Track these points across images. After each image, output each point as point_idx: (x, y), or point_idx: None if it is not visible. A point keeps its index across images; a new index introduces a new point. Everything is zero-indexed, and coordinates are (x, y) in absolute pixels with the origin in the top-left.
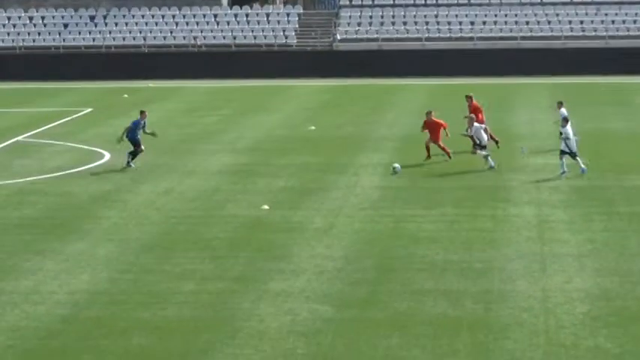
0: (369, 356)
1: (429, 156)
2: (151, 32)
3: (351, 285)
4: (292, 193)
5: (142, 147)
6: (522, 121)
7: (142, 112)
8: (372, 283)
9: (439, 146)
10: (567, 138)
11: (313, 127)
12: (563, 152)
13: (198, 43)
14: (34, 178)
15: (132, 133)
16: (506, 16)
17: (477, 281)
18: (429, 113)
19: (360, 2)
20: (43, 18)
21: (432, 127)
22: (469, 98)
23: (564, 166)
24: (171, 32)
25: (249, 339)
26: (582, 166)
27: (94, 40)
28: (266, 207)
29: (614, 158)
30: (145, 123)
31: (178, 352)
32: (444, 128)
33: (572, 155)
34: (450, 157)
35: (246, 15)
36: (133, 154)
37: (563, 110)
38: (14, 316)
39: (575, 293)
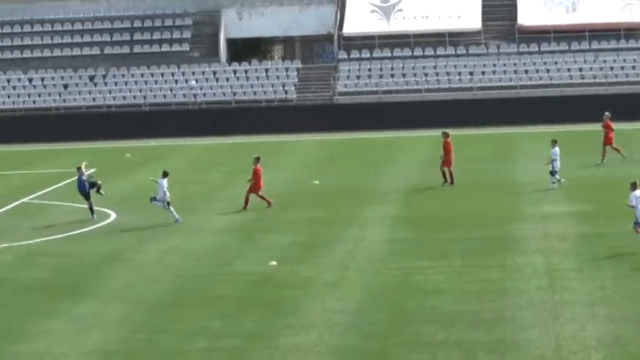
0: None
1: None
2: (150, 91)
3: (363, 338)
4: (300, 248)
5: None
6: (524, 170)
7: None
8: (384, 336)
9: (259, 195)
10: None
11: (317, 182)
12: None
13: (198, 100)
14: (42, 239)
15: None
16: (504, 65)
17: (489, 331)
18: (257, 160)
19: (358, 55)
20: (42, 79)
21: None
22: None
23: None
24: (171, 90)
25: None
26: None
27: (94, 100)
28: (274, 263)
29: (620, 205)
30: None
31: None
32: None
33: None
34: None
35: (245, 71)
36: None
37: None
38: None
39: (589, 341)
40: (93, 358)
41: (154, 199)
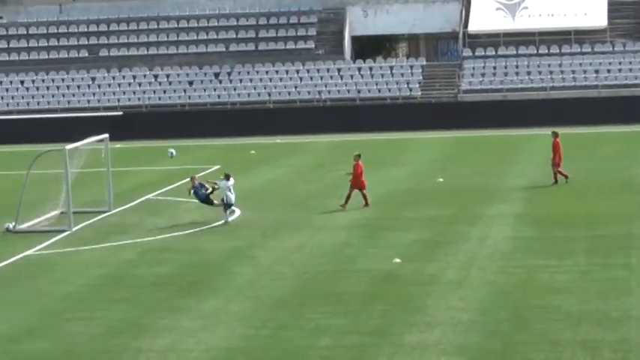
0: None
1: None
2: (275, 88)
3: (486, 336)
4: (423, 246)
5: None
6: None
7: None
8: (507, 334)
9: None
10: None
11: (441, 179)
12: None
13: (322, 97)
14: (166, 235)
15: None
16: (630, 63)
17: (615, 330)
18: (357, 157)
19: (483, 53)
20: (168, 76)
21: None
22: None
23: None
24: (295, 87)
25: None
26: None
27: (219, 97)
28: (398, 260)
29: None
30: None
31: None
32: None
33: None
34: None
35: (370, 68)
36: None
37: None
38: None
39: None
40: (217, 355)
41: (228, 206)
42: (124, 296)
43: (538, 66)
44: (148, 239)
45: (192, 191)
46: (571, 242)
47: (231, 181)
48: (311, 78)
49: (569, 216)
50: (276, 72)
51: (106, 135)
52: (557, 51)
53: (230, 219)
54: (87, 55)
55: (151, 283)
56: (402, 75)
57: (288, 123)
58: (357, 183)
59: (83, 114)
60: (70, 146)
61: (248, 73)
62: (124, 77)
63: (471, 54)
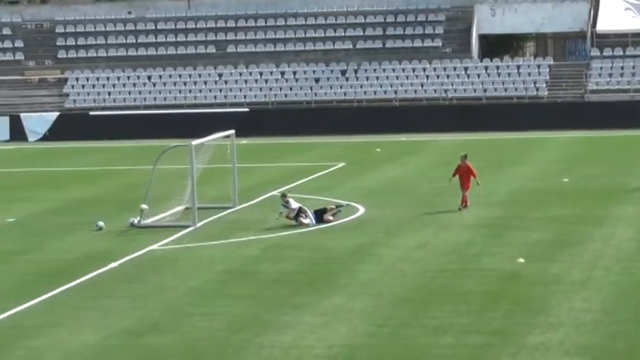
0: None
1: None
2: (401, 86)
3: (609, 338)
4: (548, 246)
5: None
6: None
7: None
8: (631, 335)
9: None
10: None
11: (566, 179)
12: None
13: (449, 95)
14: (290, 232)
15: None
16: None
17: None
18: (464, 157)
19: (611, 53)
20: (294, 73)
21: (463, 174)
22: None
23: None
24: (422, 85)
25: None
26: None
27: (345, 94)
28: (521, 260)
29: None
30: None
31: None
32: (474, 177)
33: None
34: (463, 208)
35: (497, 67)
36: None
37: None
38: None
39: None
40: (339, 352)
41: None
42: (247, 292)
43: None
44: (271, 236)
45: (308, 222)
46: None
47: (288, 199)
48: (437, 76)
49: None
50: (403, 70)
51: (232, 131)
52: None
53: (308, 222)
54: (214, 51)
55: (273, 280)
56: (529, 74)
57: (413, 121)
58: (461, 182)
59: (209, 110)
60: (196, 142)
61: (374, 70)
62: (250, 74)
63: (598, 54)
